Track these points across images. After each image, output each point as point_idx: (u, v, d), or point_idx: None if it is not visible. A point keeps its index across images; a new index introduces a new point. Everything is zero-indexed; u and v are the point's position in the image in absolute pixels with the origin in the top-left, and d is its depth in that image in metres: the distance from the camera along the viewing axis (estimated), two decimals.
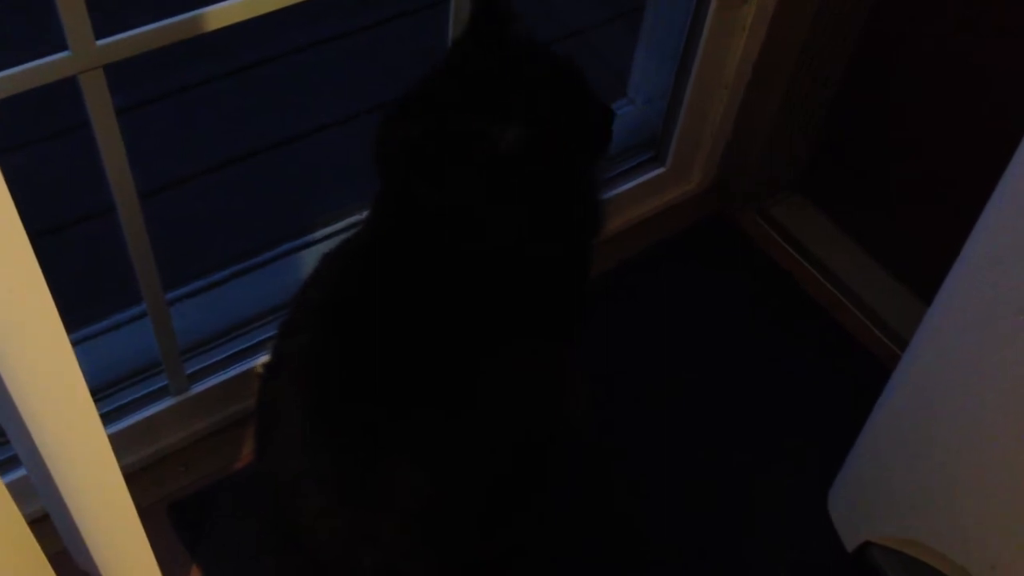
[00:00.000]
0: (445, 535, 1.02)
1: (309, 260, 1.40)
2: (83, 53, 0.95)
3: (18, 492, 1.07)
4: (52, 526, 0.95)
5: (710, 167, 1.71)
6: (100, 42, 0.96)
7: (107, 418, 1.27)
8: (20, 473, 1.18)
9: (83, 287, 1.47)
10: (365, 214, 1.39)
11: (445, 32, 1.23)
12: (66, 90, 0.98)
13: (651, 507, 1.38)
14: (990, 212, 1.02)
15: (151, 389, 1.30)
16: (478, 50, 1.04)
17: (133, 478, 1.26)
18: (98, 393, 1.28)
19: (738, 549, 1.35)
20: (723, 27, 1.49)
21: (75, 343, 1.26)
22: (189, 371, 1.31)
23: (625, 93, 1.73)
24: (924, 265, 1.33)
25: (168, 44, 1.01)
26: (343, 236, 1.13)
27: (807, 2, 1.45)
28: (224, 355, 1.33)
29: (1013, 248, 0.98)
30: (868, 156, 1.60)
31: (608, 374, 1.50)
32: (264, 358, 1.31)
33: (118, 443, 1.26)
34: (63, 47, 0.94)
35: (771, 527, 1.37)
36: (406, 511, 0.97)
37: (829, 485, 1.37)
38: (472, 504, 1.01)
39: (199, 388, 1.31)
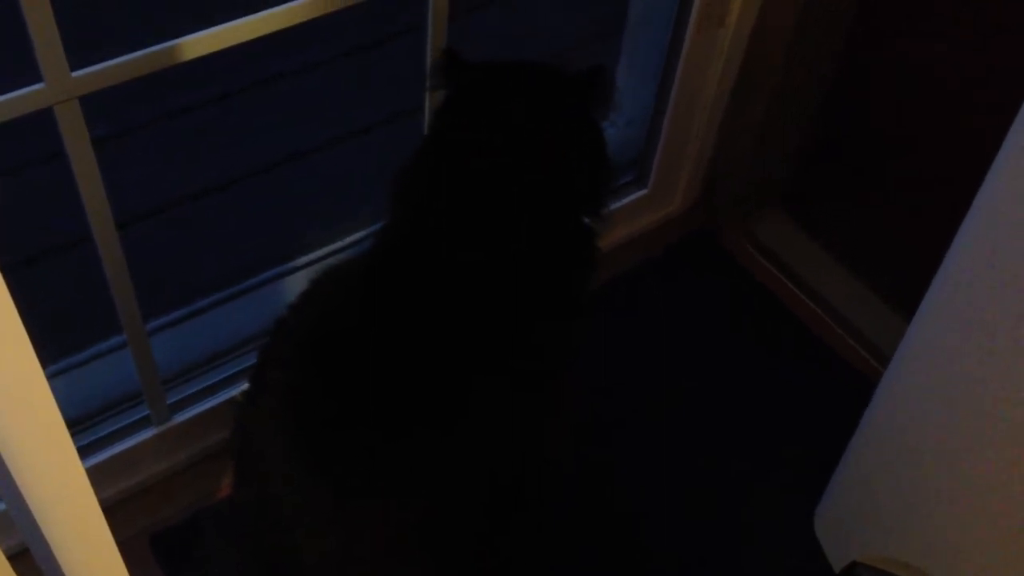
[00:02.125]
0: (441, 551, 1.02)
1: (291, 287, 1.39)
2: (58, 85, 0.95)
3: None
4: (33, 560, 0.94)
5: (692, 189, 1.72)
6: (75, 73, 0.96)
7: (88, 449, 1.26)
8: None
9: (64, 316, 1.46)
10: (347, 240, 1.40)
11: (423, 58, 1.23)
12: (43, 116, 0.98)
13: (649, 516, 1.39)
14: (967, 229, 1.02)
15: (132, 420, 1.29)
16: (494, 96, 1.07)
17: (115, 509, 1.26)
18: (79, 424, 1.27)
19: (737, 557, 1.36)
20: (701, 50, 1.50)
21: (56, 374, 1.26)
22: (171, 401, 1.31)
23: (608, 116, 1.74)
24: (907, 283, 1.33)
25: (144, 74, 1.01)
26: (325, 263, 1.13)
27: (783, 25, 1.46)
28: (206, 384, 1.33)
29: (990, 265, 0.98)
30: (849, 175, 1.61)
31: (605, 386, 1.51)
32: (244, 386, 1.30)
33: (100, 474, 1.25)
34: (37, 76, 0.94)
35: (769, 536, 1.38)
36: (402, 530, 0.98)
37: (820, 498, 1.37)
38: (469, 519, 1.02)
39: (181, 418, 1.31)
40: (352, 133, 1.86)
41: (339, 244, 1.43)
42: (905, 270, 1.52)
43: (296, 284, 1.37)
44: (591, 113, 1.09)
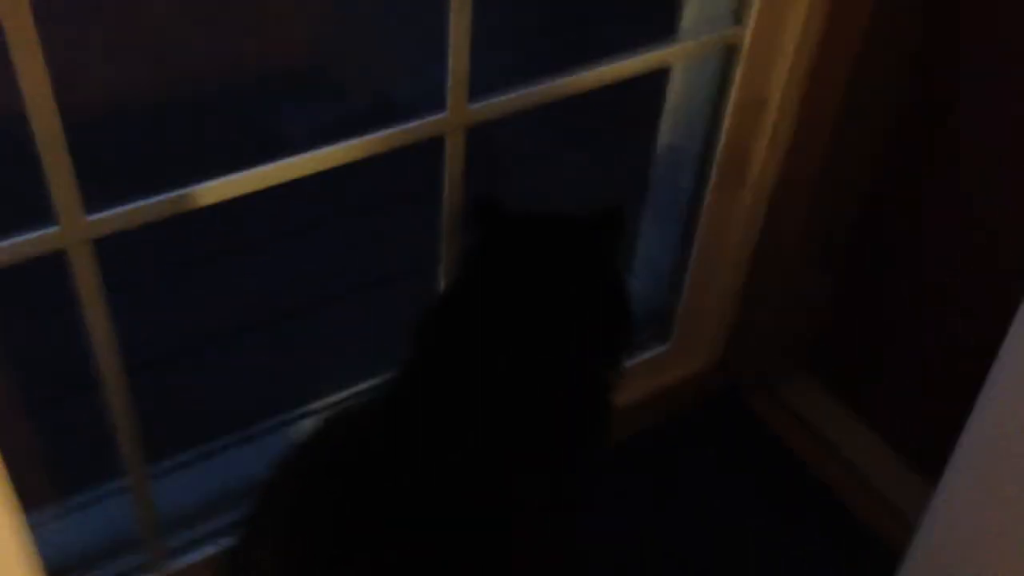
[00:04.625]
0: None
1: (297, 434, 1.38)
2: (72, 227, 0.97)
3: None
4: None
5: (716, 346, 1.69)
6: (90, 217, 0.98)
7: None
8: None
9: (59, 458, 1.45)
10: (355, 389, 1.39)
11: (437, 223, 1.25)
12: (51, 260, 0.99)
13: None
14: (987, 391, 0.99)
15: (129, 566, 1.26)
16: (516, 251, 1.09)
17: None
18: (72, 571, 1.24)
19: None
20: (722, 208, 1.50)
21: (51, 519, 1.24)
22: (168, 547, 1.27)
23: (631, 268, 1.74)
24: (938, 450, 1.28)
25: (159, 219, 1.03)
26: (326, 414, 1.12)
27: (802, 191, 1.46)
28: (205, 531, 1.30)
29: (1012, 427, 0.94)
30: (877, 334, 1.58)
31: (621, 544, 1.46)
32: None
33: None
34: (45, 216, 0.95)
35: None
36: None
37: None
38: None
39: (177, 564, 1.27)
40: (361, 287, 1.88)
41: (346, 393, 1.42)
42: (937, 436, 1.47)
43: (302, 431, 1.36)
44: (613, 259, 1.10)
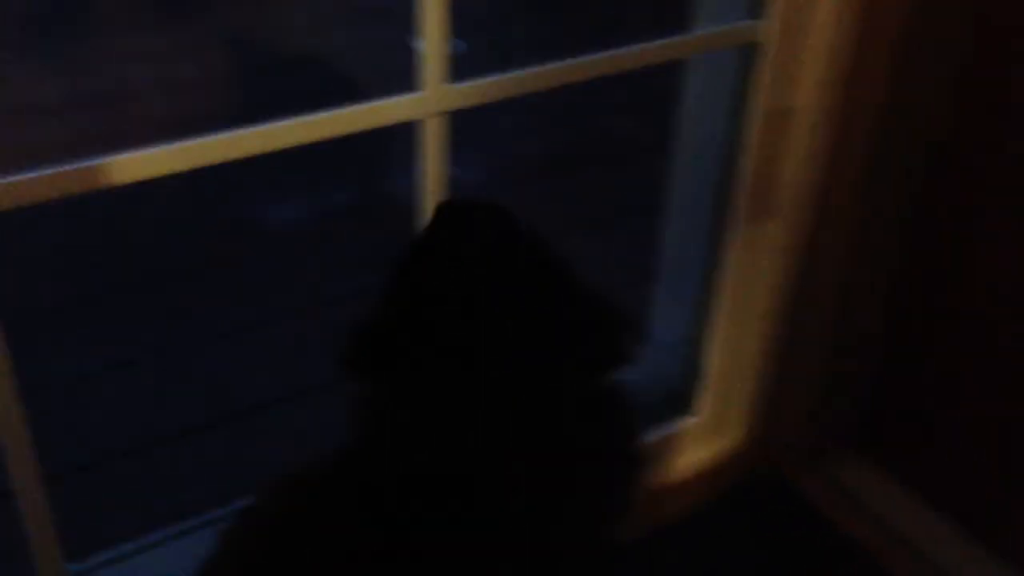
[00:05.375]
0: None
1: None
2: None
3: None
4: None
5: (752, 417, 1.47)
6: None
7: None
8: None
9: None
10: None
11: None
12: None
13: None
14: None
15: None
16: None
17: None
18: None
19: None
20: (747, 245, 1.30)
21: None
22: None
23: (648, 339, 1.53)
24: (1014, 529, 1.05)
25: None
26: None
27: (841, 224, 1.26)
28: None
29: None
30: (935, 405, 1.36)
31: None
32: None
33: None
34: None
35: None
36: None
37: None
38: None
39: None
40: (294, 395, 1.74)
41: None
42: (1008, 512, 1.24)
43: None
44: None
